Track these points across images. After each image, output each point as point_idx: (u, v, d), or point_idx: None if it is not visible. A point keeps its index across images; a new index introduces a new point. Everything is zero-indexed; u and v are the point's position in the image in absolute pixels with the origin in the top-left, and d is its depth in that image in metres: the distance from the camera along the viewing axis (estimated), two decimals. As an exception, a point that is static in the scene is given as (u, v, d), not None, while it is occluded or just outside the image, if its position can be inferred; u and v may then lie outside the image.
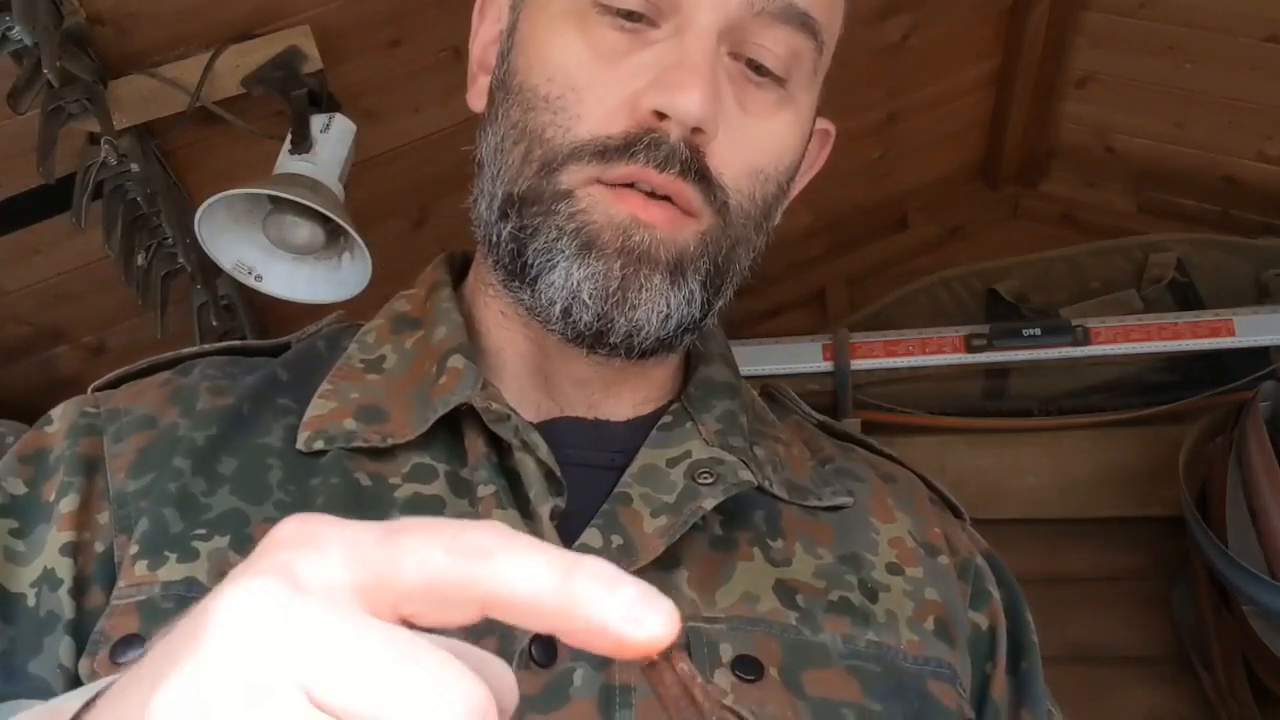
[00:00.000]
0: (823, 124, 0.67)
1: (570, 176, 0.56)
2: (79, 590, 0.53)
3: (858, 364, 2.07)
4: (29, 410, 1.77)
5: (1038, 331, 2.04)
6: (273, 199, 1.46)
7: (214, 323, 1.69)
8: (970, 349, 2.05)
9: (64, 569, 0.53)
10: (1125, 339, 2.01)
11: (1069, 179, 2.49)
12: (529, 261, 0.57)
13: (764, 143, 0.59)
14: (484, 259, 0.63)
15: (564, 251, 0.56)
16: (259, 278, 1.54)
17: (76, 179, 1.46)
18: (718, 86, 0.55)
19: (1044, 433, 2.08)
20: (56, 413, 0.60)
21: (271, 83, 1.47)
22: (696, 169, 0.55)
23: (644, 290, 0.56)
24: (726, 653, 0.53)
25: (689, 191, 0.56)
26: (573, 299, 0.56)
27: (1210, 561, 1.74)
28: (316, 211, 1.42)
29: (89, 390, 0.62)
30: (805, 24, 0.58)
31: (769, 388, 0.73)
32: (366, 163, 1.62)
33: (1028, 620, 0.66)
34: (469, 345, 0.61)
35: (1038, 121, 2.35)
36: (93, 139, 1.45)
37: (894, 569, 0.61)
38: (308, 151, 1.46)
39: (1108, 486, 2.04)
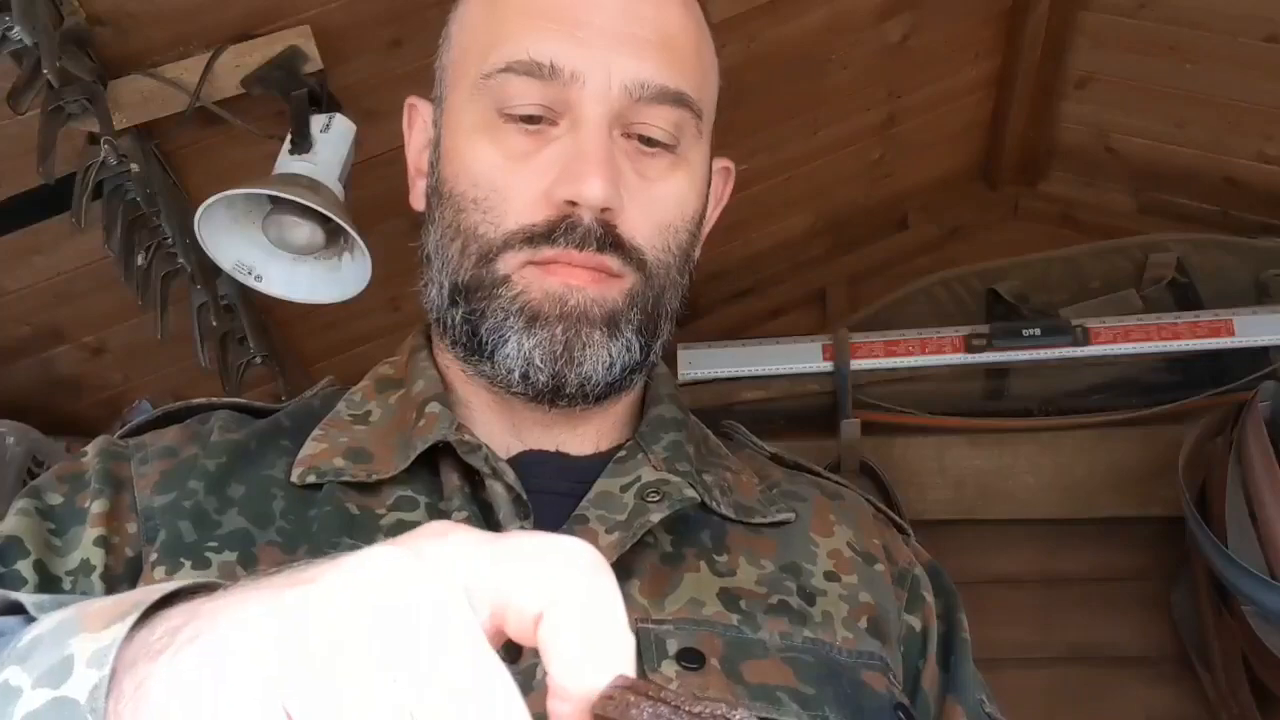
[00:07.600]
0: (721, 163, 0.77)
1: (505, 264, 0.65)
2: (109, 578, 0.60)
3: (858, 364, 2.06)
4: (29, 410, 1.77)
5: (1037, 331, 2.04)
6: (273, 199, 1.46)
7: (214, 323, 1.69)
8: (970, 349, 2.05)
9: (97, 558, 0.61)
10: (1125, 339, 2.01)
11: (1069, 179, 2.49)
12: (484, 340, 0.66)
13: (666, 202, 0.67)
14: (440, 336, 0.72)
15: (513, 327, 0.65)
16: (259, 278, 1.54)
17: (76, 179, 1.46)
18: (615, 169, 0.64)
19: (1044, 433, 2.08)
20: (88, 447, 0.68)
21: (271, 83, 1.47)
22: (611, 240, 0.64)
23: (587, 347, 0.64)
24: (671, 647, 0.60)
25: (608, 261, 0.65)
26: (528, 365, 0.64)
27: (1210, 561, 1.74)
28: (316, 211, 1.42)
29: (115, 435, 0.70)
30: (680, 100, 0.67)
31: (725, 428, 0.83)
32: (366, 163, 1.62)
33: (961, 621, 0.74)
34: (445, 395, 0.69)
35: (1037, 122, 2.35)
36: (93, 139, 1.45)
37: (831, 576, 0.68)
38: (308, 151, 1.46)
39: (1107, 486, 2.03)
